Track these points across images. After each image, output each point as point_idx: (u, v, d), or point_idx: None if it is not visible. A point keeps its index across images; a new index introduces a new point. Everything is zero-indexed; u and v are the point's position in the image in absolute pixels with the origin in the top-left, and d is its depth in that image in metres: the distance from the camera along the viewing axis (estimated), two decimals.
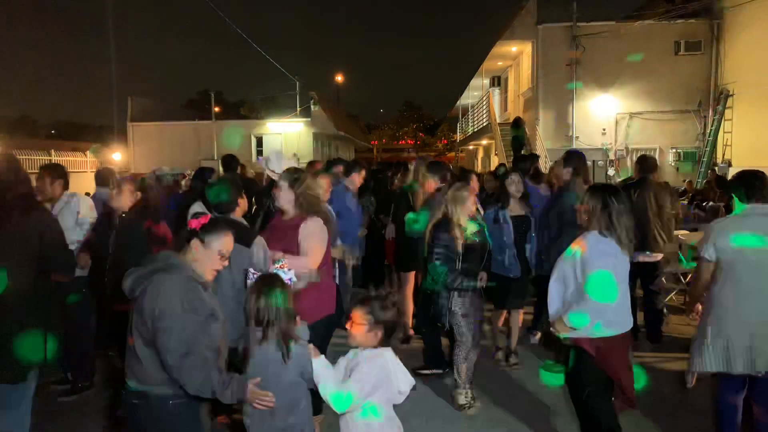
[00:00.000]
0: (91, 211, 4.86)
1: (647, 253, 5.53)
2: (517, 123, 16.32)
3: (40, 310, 3.20)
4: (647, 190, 5.74)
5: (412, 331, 5.95)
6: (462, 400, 4.42)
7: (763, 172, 3.44)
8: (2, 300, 3.02)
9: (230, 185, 3.82)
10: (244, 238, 3.47)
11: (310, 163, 7.71)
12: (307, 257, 3.67)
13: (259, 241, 3.60)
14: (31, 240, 3.14)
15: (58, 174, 4.75)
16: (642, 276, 5.91)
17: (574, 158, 5.38)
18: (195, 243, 2.64)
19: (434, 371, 5.09)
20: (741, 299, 3.27)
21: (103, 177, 5.70)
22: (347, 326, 2.65)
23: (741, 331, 3.25)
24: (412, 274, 5.92)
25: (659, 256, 5.61)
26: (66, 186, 4.80)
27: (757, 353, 3.22)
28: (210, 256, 2.65)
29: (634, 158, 17.07)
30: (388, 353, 2.58)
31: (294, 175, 3.84)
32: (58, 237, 3.36)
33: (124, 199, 4.36)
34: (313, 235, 3.71)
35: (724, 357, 3.30)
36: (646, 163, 5.98)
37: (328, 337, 4.10)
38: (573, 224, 4.45)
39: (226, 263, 2.76)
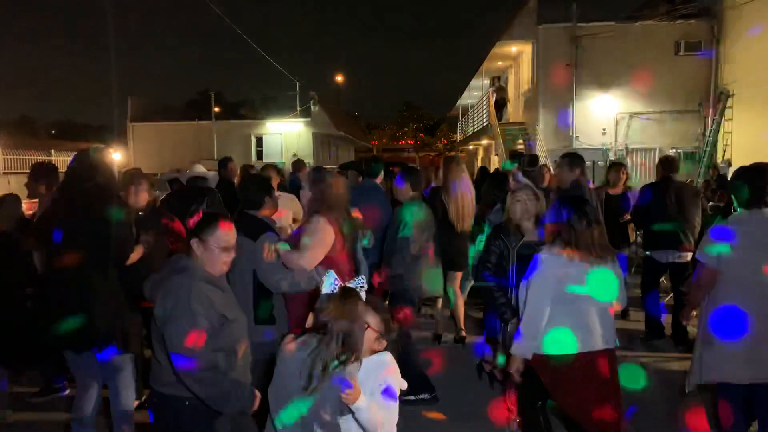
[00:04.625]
0: None
1: (679, 254, 5.60)
2: (501, 87, 20.65)
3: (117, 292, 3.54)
4: (671, 190, 5.82)
5: (464, 333, 5.96)
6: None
7: (763, 175, 3.26)
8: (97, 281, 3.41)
9: (255, 184, 3.82)
10: (252, 233, 3.45)
11: (296, 163, 7.84)
12: (299, 254, 3.50)
13: (264, 239, 3.46)
14: (105, 227, 3.43)
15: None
16: (672, 277, 5.96)
17: (579, 159, 5.28)
18: (194, 242, 2.62)
19: (422, 396, 4.52)
20: (737, 305, 3.15)
21: (132, 178, 5.76)
22: None
23: (734, 338, 3.15)
24: (459, 274, 5.90)
25: (688, 257, 5.63)
26: (51, 187, 4.74)
27: (748, 362, 3.13)
28: (210, 252, 2.61)
29: (635, 158, 17.23)
30: (388, 353, 2.50)
31: (315, 175, 3.81)
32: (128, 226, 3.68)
33: (141, 198, 4.44)
34: (310, 233, 3.58)
35: (718, 364, 3.23)
36: (668, 164, 6.05)
37: None
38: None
39: (231, 255, 2.69)
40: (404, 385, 2.47)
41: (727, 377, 3.23)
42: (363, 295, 2.36)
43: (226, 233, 2.64)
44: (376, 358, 2.43)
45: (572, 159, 5.22)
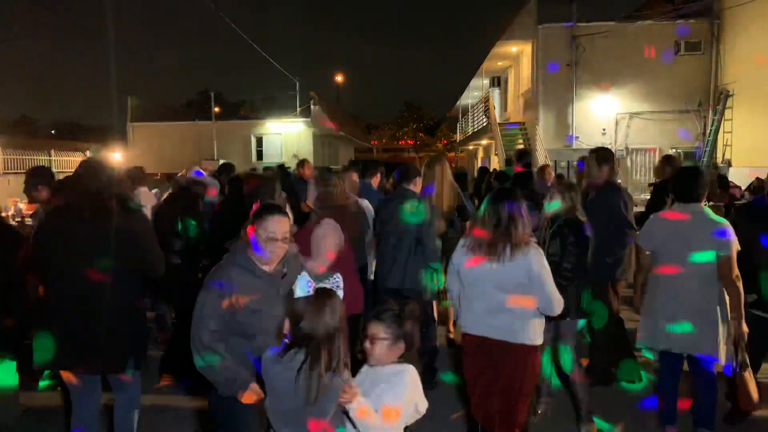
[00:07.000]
0: None
1: None
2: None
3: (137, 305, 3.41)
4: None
5: (452, 335, 5.82)
6: None
7: (693, 175, 3.71)
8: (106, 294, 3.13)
9: (263, 190, 3.91)
10: None
11: (301, 162, 7.82)
12: (319, 261, 3.58)
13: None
14: (127, 236, 3.21)
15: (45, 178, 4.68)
16: None
17: (608, 156, 4.93)
18: (249, 228, 2.74)
19: None
20: (665, 284, 3.69)
21: (138, 176, 5.87)
22: (365, 344, 2.41)
23: (664, 312, 3.68)
24: None
25: None
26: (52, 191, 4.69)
27: (675, 332, 3.63)
28: (259, 239, 2.71)
29: (635, 158, 17.24)
30: (411, 367, 2.43)
31: (321, 177, 3.83)
32: (151, 235, 3.44)
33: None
34: (323, 237, 3.63)
35: (651, 334, 3.78)
36: (674, 163, 6.04)
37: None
38: (625, 221, 4.56)
39: (280, 246, 2.73)
40: (424, 405, 2.41)
41: (649, 344, 3.82)
42: (340, 293, 2.30)
43: (274, 224, 2.71)
44: (391, 368, 2.38)
45: (600, 155, 4.86)
